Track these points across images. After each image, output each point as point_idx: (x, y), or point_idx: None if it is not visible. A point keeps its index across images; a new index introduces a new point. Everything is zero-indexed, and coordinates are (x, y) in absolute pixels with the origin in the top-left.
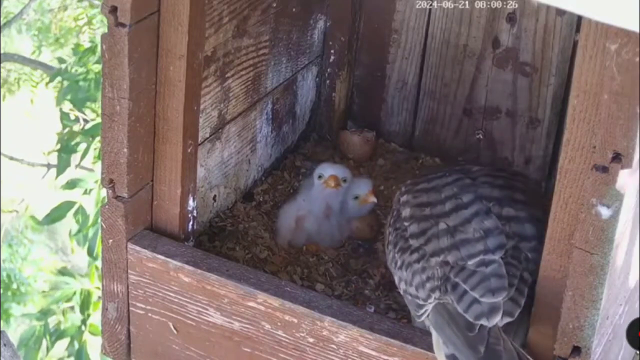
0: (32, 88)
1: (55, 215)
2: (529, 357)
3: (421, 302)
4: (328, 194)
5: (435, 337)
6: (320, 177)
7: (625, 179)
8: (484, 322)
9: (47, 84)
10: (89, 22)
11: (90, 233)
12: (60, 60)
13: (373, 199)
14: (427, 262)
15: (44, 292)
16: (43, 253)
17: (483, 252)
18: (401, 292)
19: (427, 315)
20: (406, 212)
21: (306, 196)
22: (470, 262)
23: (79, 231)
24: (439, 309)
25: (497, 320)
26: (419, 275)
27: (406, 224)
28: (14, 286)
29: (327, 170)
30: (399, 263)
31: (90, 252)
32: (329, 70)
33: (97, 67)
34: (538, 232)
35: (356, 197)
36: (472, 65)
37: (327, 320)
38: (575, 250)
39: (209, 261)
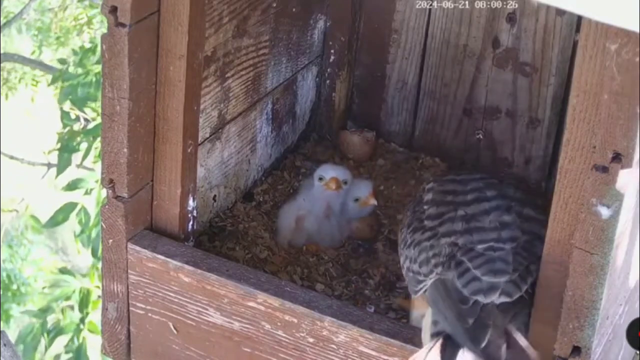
0: (33, 87)
1: (59, 218)
2: (521, 337)
3: (421, 278)
4: (328, 195)
5: (426, 317)
6: (321, 179)
7: (625, 179)
8: (480, 298)
9: (48, 85)
10: (89, 22)
11: (94, 234)
12: (61, 62)
13: (373, 202)
14: (437, 240)
15: (43, 288)
16: (43, 253)
17: (495, 240)
18: (403, 272)
19: (425, 292)
20: (428, 196)
21: (306, 196)
22: (480, 247)
23: (82, 232)
24: (437, 284)
25: (494, 298)
26: (426, 253)
27: (425, 207)
28: (14, 287)
29: (328, 172)
30: (408, 242)
31: (94, 253)
32: (329, 70)
33: (97, 68)
34: None
35: (356, 199)
36: (472, 65)
37: (327, 320)
38: (575, 250)
39: (209, 261)
